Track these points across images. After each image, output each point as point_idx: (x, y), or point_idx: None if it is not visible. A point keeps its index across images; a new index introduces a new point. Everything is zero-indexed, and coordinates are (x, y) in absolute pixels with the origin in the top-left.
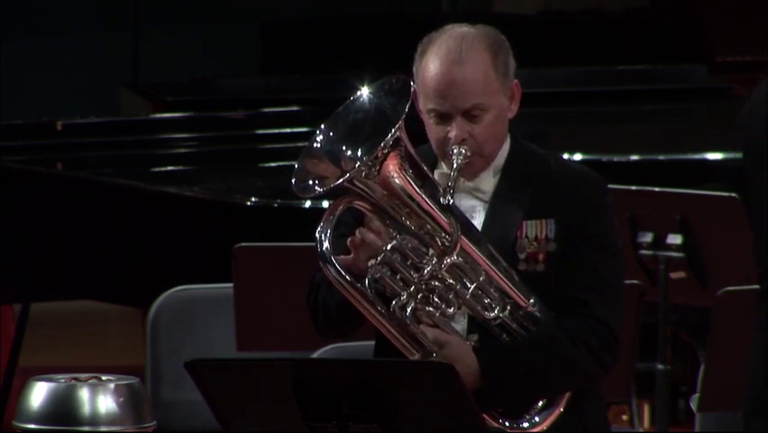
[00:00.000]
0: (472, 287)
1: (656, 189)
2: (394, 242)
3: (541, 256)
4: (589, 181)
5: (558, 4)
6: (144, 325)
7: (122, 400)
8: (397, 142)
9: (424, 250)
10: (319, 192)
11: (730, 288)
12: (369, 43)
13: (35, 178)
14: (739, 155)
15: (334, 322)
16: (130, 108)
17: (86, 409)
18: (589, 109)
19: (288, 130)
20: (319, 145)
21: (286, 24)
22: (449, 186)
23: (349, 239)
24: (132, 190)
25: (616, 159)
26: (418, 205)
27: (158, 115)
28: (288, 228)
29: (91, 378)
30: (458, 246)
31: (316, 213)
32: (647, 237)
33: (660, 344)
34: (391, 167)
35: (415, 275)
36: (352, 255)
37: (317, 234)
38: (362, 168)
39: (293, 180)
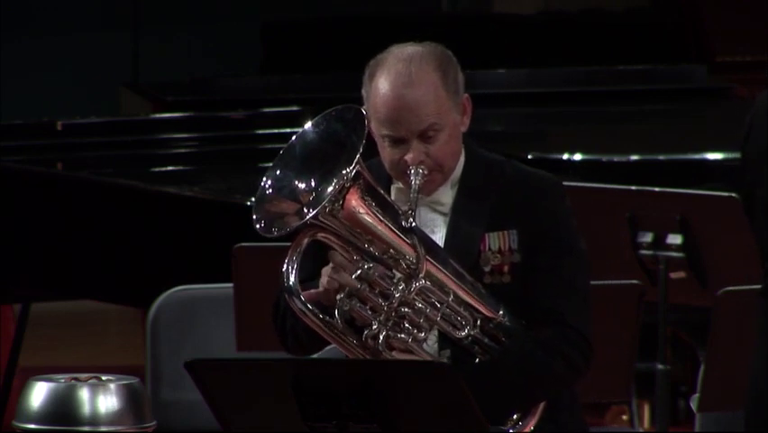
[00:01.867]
0: (442, 308)
1: (656, 189)
2: (360, 271)
3: (506, 268)
4: (546, 187)
5: (558, 4)
6: (144, 325)
7: (122, 400)
8: (357, 176)
9: (390, 274)
10: (285, 232)
11: (730, 288)
12: (369, 43)
13: (35, 178)
14: (739, 155)
15: (305, 345)
16: (130, 108)
17: (86, 409)
18: (589, 109)
19: (288, 130)
20: (271, 189)
21: (286, 24)
22: (410, 208)
23: (323, 280)
24: (132, 190)
25: (616, 159)
26: (383, 232)
27: (158, 115)
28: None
29: (91, 378)
30: (424, 269)
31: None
32: (647, 237)
33: (660, 344)
34: (354, 201)
35: (384, 303)
36: (321, 290)
37: (284, 268)
38: (326, 205)
39: (256, 226)
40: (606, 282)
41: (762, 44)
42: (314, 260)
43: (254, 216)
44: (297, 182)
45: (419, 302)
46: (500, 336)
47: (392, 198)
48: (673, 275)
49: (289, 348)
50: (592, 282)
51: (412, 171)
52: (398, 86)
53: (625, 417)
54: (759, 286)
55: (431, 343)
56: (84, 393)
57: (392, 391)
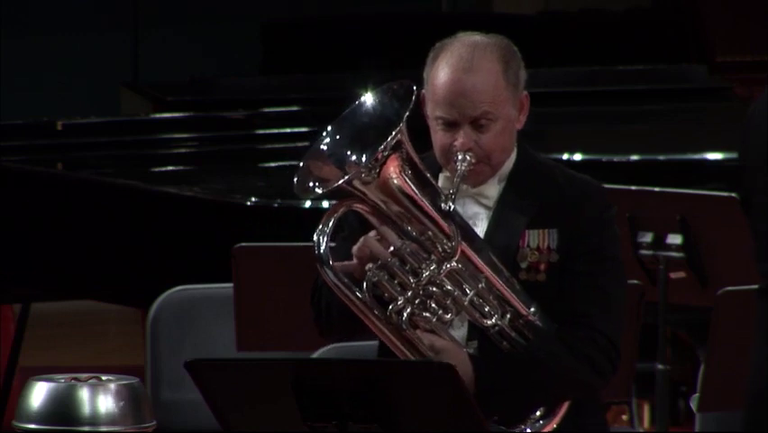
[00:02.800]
0: (471, 294)
1: (656, 189)
2: (394, 246)
3: (543, 266)
4: (593, 195)
5: (558, 4)
6: (144, 325)
7: (122, 400)
8: (398, 146)
9: (424, 255)
10: (319, 194)
11: (730, 288)
12: (369, 43)
13: (35, 178)
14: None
15: (336, 325)
16: (130, 108)
17: (86, 409)
18: (589, 109)
19: (288, 130)
20: (325, 147)
21: (286, 24)
22: (451, 192)
23: (354, 248)
24: (132, 190)
25: (616, 159)
26: (419, 208)
27: (158, 115)
28: (288, 228)
29: (91, 378)
30: (458, 252)
31: (316, 213)
32: (647, 237)
33: (660, 344)
34: (392, 169)
35: (413, 280)
36: (354, 261)
37: (315, 237)
38: (362, 170)
39: (295, 180)
40: None
41: (762, 44)
42: (354, 243)
43: (296, 173)
44: (345, 150)
45: (448, 284)
46: (529, 334)
47: (439, 185)
48: (673, 275)
49: (324, 330)
50: None
51: (459, 157)
52: (458, 69)
53: (625, 417)
54: (758, 286)
55: (461, 333)
56: (84, 393)
57: (392, 391)
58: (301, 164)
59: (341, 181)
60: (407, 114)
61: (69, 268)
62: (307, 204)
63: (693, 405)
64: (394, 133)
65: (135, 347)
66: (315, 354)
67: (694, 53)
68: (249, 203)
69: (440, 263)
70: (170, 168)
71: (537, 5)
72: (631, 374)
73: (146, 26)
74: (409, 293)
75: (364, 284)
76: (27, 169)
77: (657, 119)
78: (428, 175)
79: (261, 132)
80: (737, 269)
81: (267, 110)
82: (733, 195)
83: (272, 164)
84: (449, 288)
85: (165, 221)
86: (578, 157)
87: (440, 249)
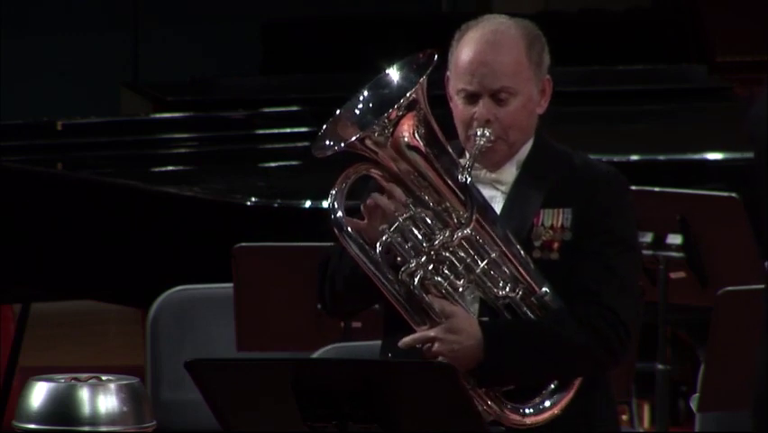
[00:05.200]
0: (483, 263)
1: (656, 189)
2: (409, 211)
3: (556, 245)
4: (610, 179)
5: (558, 4)
6: (144, 325)
7: (122, 400)
8: (413, 105)
9: (439, 225)
10: (333, 151)
11: (730, 288)
12: (369, 43)
13: (35, 178)
14: (739, 155)
15: (339, 295)
16: (130, 108)
17: (86, 409)
18: (589, 109)
19: (288, 130)
20: (355, 111)
21: (286, 24)
22: (468, 164)
23: (363, 204)
24: (132, 190)
25: (616, 159)
26: (432, 171)
27: (158, 115)
28: (288, 228)
29: (91, 378)
30: (473, 222)
31: (316, 213)
32: (647, 237)
33: (660, 344)
34: (405, 128)
35: (426, 244)
36: (365, 220)
37: (329, 201)
38: (376, 128)
39: (317, 136)
40: None
41: (762, 44)
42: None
43: (325, 126)
44: (368, 116)
45: (462, 251)
46: (539, 312)
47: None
48: (673, 275)
49: (326, 301)
50: None
51: (478, 133)
52: (482, 43)
53: (625, 417)
54: (759, 286)
55: (472, 310)
56: (84, 393)
57: (392, 391)
58: (325, 126)
59: (353, 138)
60: (425, 75)
61: (69, 268)
62: (307, 204)
63: (693, 405)
64: (408, 94)
65: (135, 347)
66: (315, 354)
67: (694, 53)
68: (249, 203)
69: (454, 231)
70: (170, 168)
71: (537, 5)
72: (631, 374)
73: (146, 26)
74: (423, 258)
75: (377, 245)
76: (27, 169)
77: (657, 119)
78: (446, 144)
79: (261, 132)
80: (737, 269)
81: (267, 110)
82: (733, 195)
83: (272, 164)
84: (462, 255)
85: (165, 221)
86: None
87: (455, 220)
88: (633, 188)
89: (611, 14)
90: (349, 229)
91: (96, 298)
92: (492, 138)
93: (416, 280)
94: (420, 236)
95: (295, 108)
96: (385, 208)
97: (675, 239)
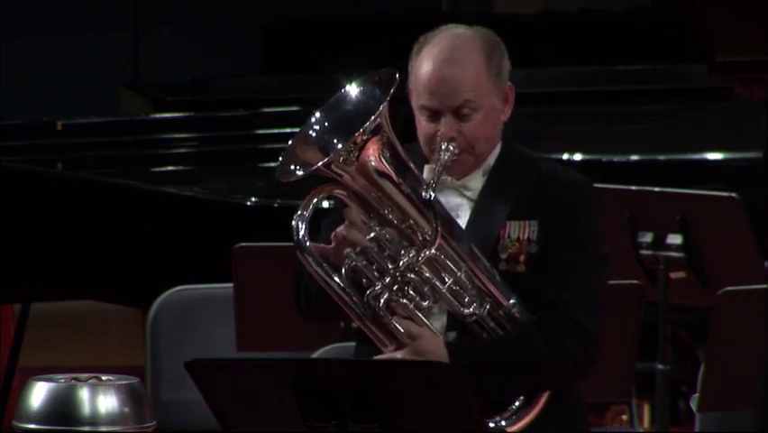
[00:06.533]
0: (450, 282)
1: (656, 189)
2: (373, 233)
3: (522, 257)
4: (574, 186)
5: (558, 4)
6: (144, 325)
7: (122, 400)
8: (377, 129)
9: (404, 244)
10: (299, 176)
11: (730, 288)
12: (369, 43)
13: (35, 178)
14: (739, 155)
15: (314, 307)
16: (130, 108)
17: (86, 409)
18: (589, 109)
19: (288, 130)
20: (312, 133)
21: (286, 24)
22: (432, 181)
23: (333, 233)
24: (132, 190)
25: (616, 159)
26: (397, 193)
27: (158, 115)
28: (288, 228)
29: (91, 378)
30: (437, 240)
31: (316, 213)
32: (647, 237)
33: (660, 344)
34: (371, 152)
35: (391, 266)
36: (332, 245)
37: (294, 222)
38: (341, 153)
39: (279, 162)
40: None
41: (762, 44)
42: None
43: (282, 156)
44: (330, 136)
45: (427, 271)
46: (508, 325)
47: (424, 176)
48: (673, 275)
49: (303, 311)
50: None
51: (442, 147)
52: (440, 59)
53: (625, 417)
54: (759, 286)
55: (439, 324)
56: (84, 393)
57: (392, 391)
58: (288, 147)
59: (319, 164)
60: (387, 98)
61: (70, 268)
62: None
63: (693, 405)
64: (373, 117)
65: (135, 347)
66: (315, 354)
67: (694, 53)
68: (249, 203)
69: (419, 251)
70: (170, 168)
71: (537, 5)
72: (631, 374)
73: (146, 26)
74: (387, 279)
75: (342, 270)
76: (27, 169)
77: (657, 119)
78: (410, 163)
79: (261, 132)
80: (737, 269)
81: (267, 110)
82: (733, 195)
83: (272, 164)
84: (427, 275)
85: (165, 221)
86: (578, 157)
87: (420, 237)
88: (633, 188)
89: (611, 14)
90: (313, 253)
91: (95, 298)
92: (457, 152)
93: (382, 302)
94: (385, 257)
95: (295, 108)
96: (357, 242)
97: (675, 239)
